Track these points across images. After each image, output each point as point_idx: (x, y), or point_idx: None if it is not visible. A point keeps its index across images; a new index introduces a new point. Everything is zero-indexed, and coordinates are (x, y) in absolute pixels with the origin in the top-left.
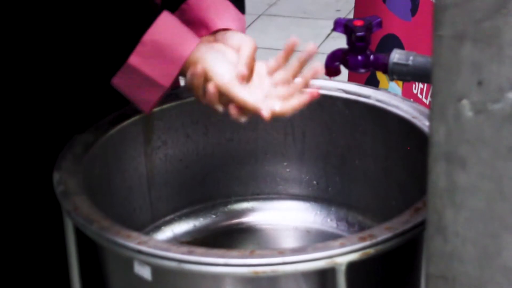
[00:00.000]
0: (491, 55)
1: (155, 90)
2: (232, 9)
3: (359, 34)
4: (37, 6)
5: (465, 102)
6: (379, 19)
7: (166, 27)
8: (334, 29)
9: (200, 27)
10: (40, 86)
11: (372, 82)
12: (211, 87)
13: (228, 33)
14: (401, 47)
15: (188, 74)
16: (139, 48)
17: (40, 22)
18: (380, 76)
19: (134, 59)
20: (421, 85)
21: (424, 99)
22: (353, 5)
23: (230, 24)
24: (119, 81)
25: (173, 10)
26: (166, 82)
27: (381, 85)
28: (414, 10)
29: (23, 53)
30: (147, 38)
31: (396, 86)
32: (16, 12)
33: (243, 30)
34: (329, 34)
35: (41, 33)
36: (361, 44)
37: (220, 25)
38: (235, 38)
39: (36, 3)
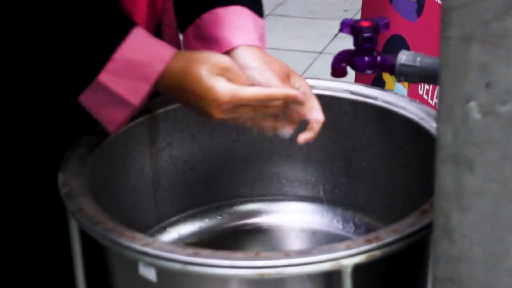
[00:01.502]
0: (499, 57)
1: (123, 109)
2: (249, 20)
3: (366, 35)
4: (32, 10)
5: (472, 104)
6: (386, 20)
7: (137, 44)
8: (341, 30)
9: (212, 44)
10: (44, 87)
11: (378, 83)
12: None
13: (242, 56)
14: (406, 47)
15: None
16: (109, 66)
17: (36, 24)
18: (386, 77)
19: (104, 76)
20: (427, 86)
21: (430, 100)
22: (360, 5)
23: (244, 40)
24: (85, 99)
25: (187, 24)
26: (136, 100)
27: (387, 86)
28: (419, 11)
29: (26, 54)
30: (118, 55)
31: (402, 87)
32: (16, 12)
33: (260, 40)
34: (336, 34)
35: (40, 35)
36: (368, 45)
37: (234, 43)
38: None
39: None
